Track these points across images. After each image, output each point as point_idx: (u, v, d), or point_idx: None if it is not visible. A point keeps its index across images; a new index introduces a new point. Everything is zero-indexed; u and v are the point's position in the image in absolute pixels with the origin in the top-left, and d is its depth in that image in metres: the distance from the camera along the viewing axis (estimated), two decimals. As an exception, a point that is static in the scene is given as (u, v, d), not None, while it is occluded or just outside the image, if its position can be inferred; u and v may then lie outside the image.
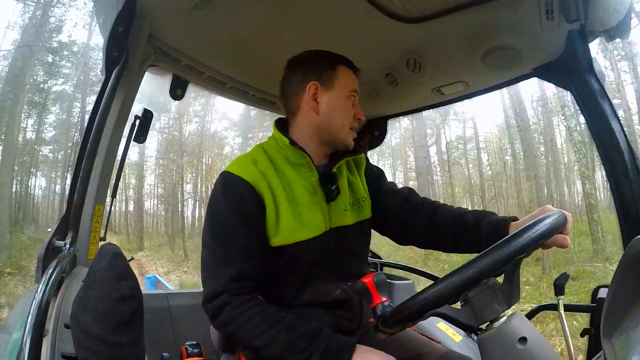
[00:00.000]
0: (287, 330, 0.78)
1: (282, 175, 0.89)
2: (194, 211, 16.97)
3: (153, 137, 17.33)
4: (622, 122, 1.00)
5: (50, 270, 0.76)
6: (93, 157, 1.04)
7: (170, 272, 9.86)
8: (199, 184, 17.42)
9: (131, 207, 17.83)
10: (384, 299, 0.73)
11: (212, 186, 0.90)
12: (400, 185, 1.08)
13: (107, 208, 1.20)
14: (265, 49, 1.28)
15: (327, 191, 0.90)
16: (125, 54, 1.02)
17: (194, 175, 17.46)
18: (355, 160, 1.05)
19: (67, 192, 1.15)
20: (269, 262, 0.86)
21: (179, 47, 1.23)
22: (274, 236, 0.85)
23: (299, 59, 0.96)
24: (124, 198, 17.70)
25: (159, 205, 17.47)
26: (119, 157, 1.20)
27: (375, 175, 1.07)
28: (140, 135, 1.27)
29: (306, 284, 0.89)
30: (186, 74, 1.35)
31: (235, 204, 0.83)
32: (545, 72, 1.15)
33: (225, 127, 19.14)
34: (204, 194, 16.82)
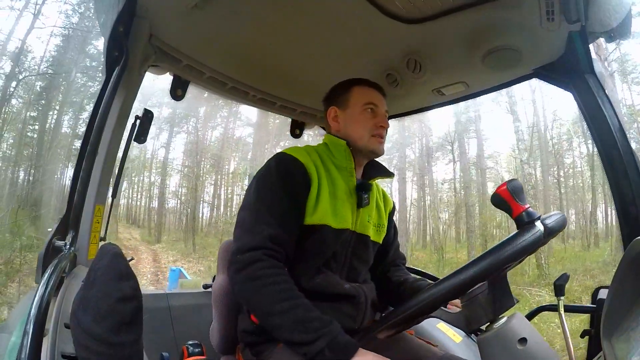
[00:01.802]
0: (305, 307, 0.81)
1: (328, 172, 1.01)
2: (210, 213, 18.19)
3: (182, 139, 18.59)
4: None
5: (50, 270, 0.76)
6: (93, 157, 1.04)
7: (177, 260, 12.08)
8: (217, 189, 18.45)
9: (155, 204, 19.07)
10: (526, 205, 0.64)
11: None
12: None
13: (107, 208, 1.19)
14: (265, 49, 1.28)
15: (360, 197, 1.02)
16: (126, 54, 1.02)
17: (214, 179, 18.41)
18: (384, 197, 1.20)
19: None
20: (299, 242, 0.93)
21: (179, 47, 1.22)
22: (310, 215, 0.93)
23: (327, 93, 1.13)
24: (149, 195, 19.29)
25: (181, 205, 18.42)
26: (119, 157, 1.20)
27: (394, 228, 1.22)
28: (141, 135, 1.26)
29: (320, 271, 0.95)
30: (186, 74, 1.35)
31: (286, 177, 0.92)
32: (546, 73, 1.15)
33: (250, 133, 19.65)
34: (221, 199, 17.98)
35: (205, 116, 17.54)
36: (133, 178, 20.22)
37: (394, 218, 1.25)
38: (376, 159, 1.12)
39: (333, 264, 0.98)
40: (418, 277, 1.15)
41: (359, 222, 1.02)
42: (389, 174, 1.14)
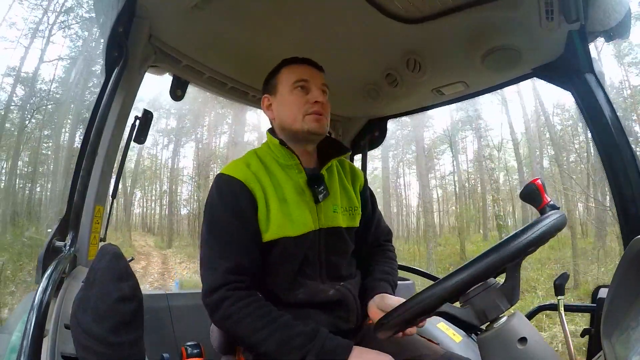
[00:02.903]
0: (284, 328, 0.79)
1: (273, 176, 0.94)
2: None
3: (190, 147, 19.05)
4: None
5: (50, 271, 0.76)
6: (93, 157, 1.04)
7: (183, 262, 13.63)
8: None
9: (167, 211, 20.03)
10: (549, 199, 0.71)
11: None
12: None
13: (107, 208, 1.19)
14: (265, 50, 1.28)
15: (314, 192, 0.94)
16: (125, 54, 1.02)
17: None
18: (352, 172, 1.12)
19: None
20: (263, 258, 0.90)
21: (179, 47, 1.22)
22: (265, 232, 0.89)
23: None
24: (161, 204, 20.21)
25: (191, 211, 19.02)
26: (119, 158, 1.20)
27: (371, 201, 1.14)
28: (140, 135, 1.26)
29: (298, 283, 0.91)
30: (186, 75, 1.35)
31: (230, 201, 0.88)
32: (545, 73, 1.15)
33: (257, 137, 19.72)
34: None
35: (210, 125, 17.94)
36: (147, 187, 20.72)
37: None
38: (332, 137, 1.04)
39: (308, 269, 0.92)
40: (384, 273, 1.04)
41: (323, 218, 0.95)
42: (344, 151, 1.05)
